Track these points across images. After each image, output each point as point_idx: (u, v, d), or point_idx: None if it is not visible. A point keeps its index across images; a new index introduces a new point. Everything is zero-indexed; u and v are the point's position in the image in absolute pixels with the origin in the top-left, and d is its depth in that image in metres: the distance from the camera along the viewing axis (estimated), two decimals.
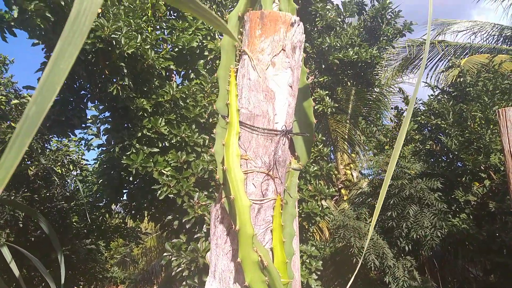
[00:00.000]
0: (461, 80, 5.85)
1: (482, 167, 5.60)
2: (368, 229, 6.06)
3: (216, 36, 5.27)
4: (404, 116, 7.16)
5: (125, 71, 3.80)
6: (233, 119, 1.30)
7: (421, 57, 10.37)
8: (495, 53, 8.13)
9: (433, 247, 5.72)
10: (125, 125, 4.38)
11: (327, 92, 6.69)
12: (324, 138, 7.68)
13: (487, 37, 9.86)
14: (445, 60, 9.67)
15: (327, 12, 5.52)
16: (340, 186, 10.05)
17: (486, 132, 5.30)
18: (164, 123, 4.26)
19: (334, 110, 7.04)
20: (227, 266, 1.33)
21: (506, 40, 9.82)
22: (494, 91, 5.47)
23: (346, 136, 10.05)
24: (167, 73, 5.09)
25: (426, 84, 6.75)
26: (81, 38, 0.43)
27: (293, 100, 1.37)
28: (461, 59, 8.63)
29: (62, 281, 1.59)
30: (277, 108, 1.32)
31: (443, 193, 5.92)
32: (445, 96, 6.45)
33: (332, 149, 10.82)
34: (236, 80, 1.37)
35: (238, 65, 1.40)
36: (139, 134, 4.15)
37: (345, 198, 9.92)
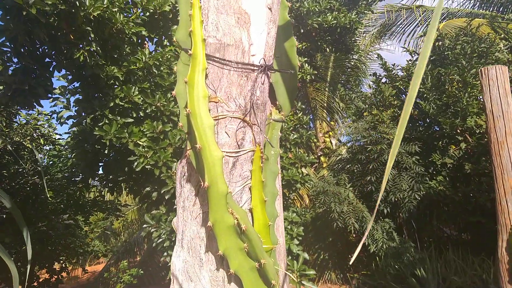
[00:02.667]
0: (439, 44, 5.82)
1: (458, 130, 5.69)
2: (348, 194, 6.14)
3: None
4: (383, 83, 7.14)
5: (92, 36, 3.56)
6: (197, 51, 1.03)
7: (399, 23, 10.29)
8: (472, 17, 8.11)
9: (411, 209, 5.87)
10: (96, 95, 4.17)
11: (306, 59, 6.57)
12: (303, 107, 7.61)
13: (463, 1, 9.84)
14: (423, 26, 9.62)
15: None
16: (319, 154, 10.12)
17: (463, 96, 5.35)
18: (137, 92, 4.07)
19: (313, 77, 6.94)
20: (197, 232, 1.09)
21: (482, 5, 9.82)
22: (472, 55, 5.48)
23: (325, 104, 10.02)
24: (139, 40, 4.84)
25: (405, 49, 6.71)
26: None
27: (273, 27, 1.09)
28: (439, 23, 8.59)
29: (29, 257, 1.49)
30: (253, 36, 1.04)
31: (421, 156, 6.02)
32: None
33: (311, 117, 10.81)
34: (200, 2, 1.10)
35: None
36: (111, 104, 3.96)
37: (324, 165, 10.01)
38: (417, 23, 9.78)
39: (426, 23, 9.36)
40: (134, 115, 4.14)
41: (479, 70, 2.67)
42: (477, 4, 9.84)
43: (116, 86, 4.06)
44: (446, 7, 9.90)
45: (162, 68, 4.34)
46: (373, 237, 5.88)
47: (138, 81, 4.21)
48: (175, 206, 4.12)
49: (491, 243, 5.34)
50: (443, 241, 6.47)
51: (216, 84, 1.05)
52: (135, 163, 3.97)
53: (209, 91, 1.04)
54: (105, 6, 3.48)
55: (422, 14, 9.84)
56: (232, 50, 1.04)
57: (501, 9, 9.35)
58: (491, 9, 9.60)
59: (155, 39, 5.01)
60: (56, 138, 6.14)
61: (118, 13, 3.77)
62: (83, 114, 4.16)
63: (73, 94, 4.46)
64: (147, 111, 4.14)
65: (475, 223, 5.69)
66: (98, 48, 3.61)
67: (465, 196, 5.62)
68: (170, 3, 4.77)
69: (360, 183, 6.34)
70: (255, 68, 1.05)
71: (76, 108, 4.43)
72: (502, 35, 6.92)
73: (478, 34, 6.36)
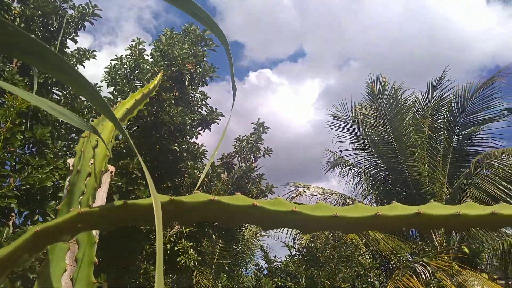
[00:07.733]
0: (312, 245, 6.40)
1: None
2: None
3: None
4: (264, 275, 7.24)
5: None
6: None
7: None
8: None
9: None
10: None
11: (191, 243, 6.55)
12: None
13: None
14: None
15: (196, 170, 5.82)
16: None
17: None
18: None
19: (196, 263, 6.79)
20: None
21: None
22: (339, 259, 6.06)
23: None
24: (6, 211, 4.39)
25: (284, 245, 7.17)
26: None
27: None
28: None
29: None
30: None
31: None
32: (299, 257, 6.86)
33: None
34: None
35: None
36: None
37: None
38: None
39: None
40: None
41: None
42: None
43: None
44: None
45: None
46: None
47: None
48: None
49: None
50: None
51: None
52: None
53: None
54: None
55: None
56: None
57: None
58: None
59: (25, 213, 4.59)
60: None
61: None
62: None
63: None
64: None
65: None
66: None
67: None
68: (54, 179, 4.62)
69: None
70: None
71: None
72: (364, 240, 7.96)
73: (344, 238, 7.21)
